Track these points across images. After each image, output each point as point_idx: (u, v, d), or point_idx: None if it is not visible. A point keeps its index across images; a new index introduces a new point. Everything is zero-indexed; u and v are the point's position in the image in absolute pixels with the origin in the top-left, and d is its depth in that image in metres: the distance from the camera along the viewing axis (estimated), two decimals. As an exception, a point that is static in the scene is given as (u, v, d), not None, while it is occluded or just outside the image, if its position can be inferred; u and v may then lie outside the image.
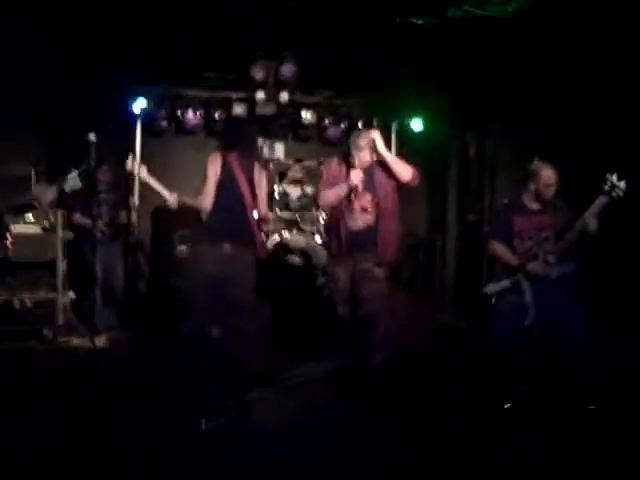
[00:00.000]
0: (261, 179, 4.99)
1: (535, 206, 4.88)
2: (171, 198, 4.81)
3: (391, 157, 4.97)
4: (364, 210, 4.93)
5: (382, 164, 4.95)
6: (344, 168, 5.00)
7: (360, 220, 4.94)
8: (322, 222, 7.52)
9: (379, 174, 4.97)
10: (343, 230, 4.95)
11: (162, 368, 5.27)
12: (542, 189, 4.81)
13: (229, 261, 4.63)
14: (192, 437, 3.92)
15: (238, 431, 4.06)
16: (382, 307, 4.91)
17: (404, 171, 4.93)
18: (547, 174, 4.81)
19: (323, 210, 6.74)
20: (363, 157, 4.90)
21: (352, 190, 4.89)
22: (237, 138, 5.16)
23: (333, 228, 5.16)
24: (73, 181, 4.70)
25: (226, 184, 4.76)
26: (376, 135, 4.91)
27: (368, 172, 4.95)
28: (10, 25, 6.36)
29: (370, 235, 4.93)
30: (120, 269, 7.18)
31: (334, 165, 5.11)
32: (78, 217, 6.69)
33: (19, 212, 6.12)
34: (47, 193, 4.71)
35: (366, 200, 4.94)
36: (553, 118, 7.19)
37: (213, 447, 3.82)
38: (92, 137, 4.70)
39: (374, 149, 4.89)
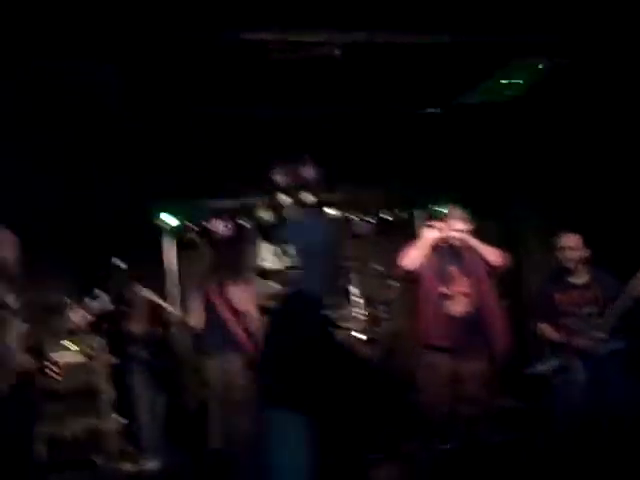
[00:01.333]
0: (243, 298, 5.28)
1: (576, 281, 4.84)
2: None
3: (476, 241, 4.81)
4: (464, 295, 4.74)
5: (469, 249, 4.79)
6: None
7: (461, 305, 4.73)
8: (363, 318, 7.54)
9: (468, 257, 4.79)
10: (441, 317, 4.72)
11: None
12: (560, 254, 4.77)
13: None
14: None
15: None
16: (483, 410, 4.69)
17: (493, 254, 4.78)
18: (564, 239, 4.80)
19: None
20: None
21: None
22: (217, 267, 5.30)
23: (423, 317, 4.88)
24: (100, 302, 4.78)
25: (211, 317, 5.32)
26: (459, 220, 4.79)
27: (456, 257, 4.81)
28: (36, 148, 6.59)
29: (474, 322, 4.70)
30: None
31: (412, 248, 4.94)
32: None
33: (58, 340, 6.19)
34: (82, 317, 4.80)
35: (464, 284, 4.76)
36: (575, 189, 7.20)
37: None
38: (117, 262, 4.80)
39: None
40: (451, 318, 4.70)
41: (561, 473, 4.54)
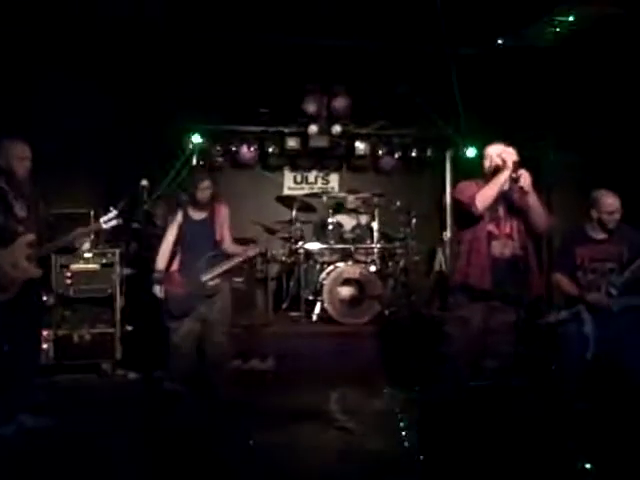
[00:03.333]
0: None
1: (599, 236, 4.75)
2: None
3: (534, 199, 4.46)
4: (508, 237, 4.51)
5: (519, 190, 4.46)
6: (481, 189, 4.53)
7: (507, 247, 4.50)
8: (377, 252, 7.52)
9: (516, 199, 4.51)
10: (485, 257, 4.50)
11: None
12: (605, 217, 4.68)
13: None
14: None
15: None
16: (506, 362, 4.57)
17: (541, 217, 4.48)
18: (609, 201, 4.68)
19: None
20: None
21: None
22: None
23: (465, 257, 4.60)
24: (111, 219, 4.84)
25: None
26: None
27: (504, 197, 4.53)
28: (68, 71, 6.61)
29: (514, 266, 4.45)
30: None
31: (471, 184, 4.63)
32: (135, 247, 6.81)
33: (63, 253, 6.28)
34: (83, 236, 4.86)
35: (509, 225, 4.53)
36: (610, 142, 6.98)
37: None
38: (144, 182, 4.91)
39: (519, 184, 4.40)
40: (495, 259, 4.47)
41: (563, 422, 4.51)
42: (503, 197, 4.50)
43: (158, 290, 5.14)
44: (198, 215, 5.32)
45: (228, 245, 5.34)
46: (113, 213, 4.86)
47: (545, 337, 5.49)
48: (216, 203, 5.36)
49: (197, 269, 5.14)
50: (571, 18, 6.26)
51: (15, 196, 4.56)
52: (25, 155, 4.58)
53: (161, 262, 5.21)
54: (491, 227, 4.51)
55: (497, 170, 4.49)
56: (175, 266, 5.24)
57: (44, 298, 6.25)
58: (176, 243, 5.26)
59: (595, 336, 4.54)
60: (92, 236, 4.90)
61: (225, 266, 5.24)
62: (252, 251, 5.57)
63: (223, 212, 5.36)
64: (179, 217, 5.29)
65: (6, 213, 4.49)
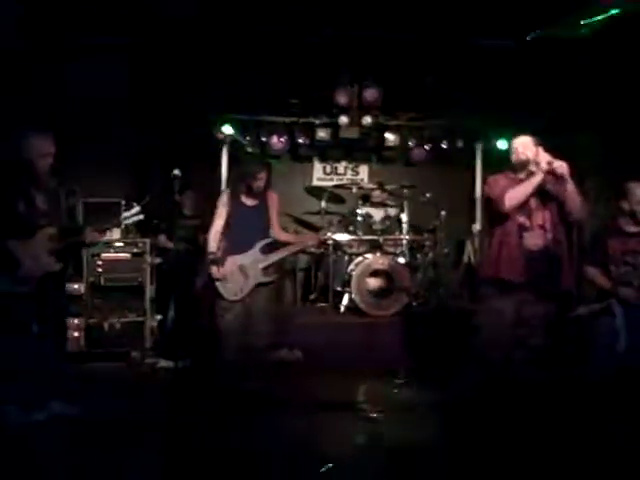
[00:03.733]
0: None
1: (631, 229, 4.69)
2: None
3: (572, 187, 4.43)
4: (541, 227, 4.48)
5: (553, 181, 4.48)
6: (512, 182, 4.56)
7: (539, 239, 4.47)
8: (405, 243, 7.50)
9: (548, 189, 4.50)
10: (517, 250, 4.46)
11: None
12: (638, 208, 4.63)
13: None
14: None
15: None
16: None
17: (577, 205, 4.44)
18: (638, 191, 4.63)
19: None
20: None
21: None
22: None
23: (496, 249, 4.57)
24: (133, 215, 4.90)
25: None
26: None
27: (539, 190, 4.49)
28: (97, 58, 6.65)
29: (546, 258, 4.43)
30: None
31: (501, 178, 4.66)
32: (163, 240, 6.87)
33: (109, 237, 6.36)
34: (92, 234, 4.92)
35: (541, 216, 4.50)
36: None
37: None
38: (176, 172, 4.97)
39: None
40: (527, 251, 4.43)
41: (590, 416, 4.47)
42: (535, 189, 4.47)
43: (215, 271, 5.10)
44: (251, 201, 5.29)
45: (277, 232, 5.34)
46: (135, 209, 4.93)
47: (576, 330, 5.45)
48: (268, 191, 5.34)
49: (253, 255, 5.16)
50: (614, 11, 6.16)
51: (37, 188, 4.59)
52: (48, 151, 4.58)
53: (213, 244, 5.16)
54: (522, 219, 4.47)
55: (525, 164, 4.49)
56: (220, 252, 5.21)
57: (75, 287, 6.39)
58: (225, 228, 5.23)
59: (626, 329, 4.49)
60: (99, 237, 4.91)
61: (282, 254, 5.29)
62: (312, 240, 5.67)
63: (275, 199, 5.36)
64: (229, 201, 5.25)
65: (27, 206, 4.51)
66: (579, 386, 4.74)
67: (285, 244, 5.34)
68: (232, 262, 5.15)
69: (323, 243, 7.30)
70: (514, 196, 4.41)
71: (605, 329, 4.59)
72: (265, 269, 5.18)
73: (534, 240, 4.43)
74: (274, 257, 5.21)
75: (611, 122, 6.99)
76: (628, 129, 6.86)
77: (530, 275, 4.39)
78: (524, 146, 4.52)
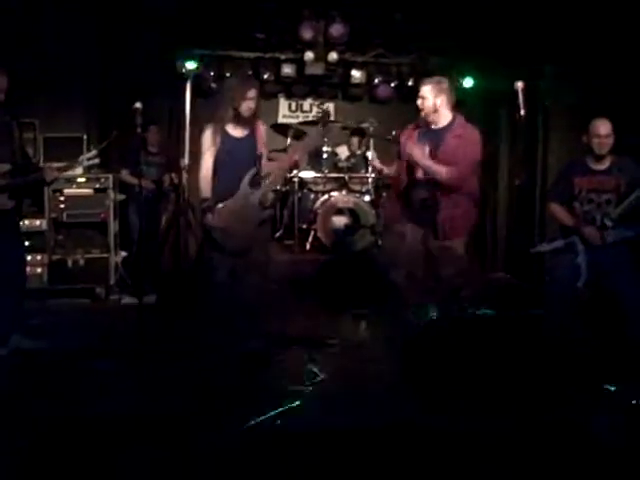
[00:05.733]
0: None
1: (597, 166, 4.69)
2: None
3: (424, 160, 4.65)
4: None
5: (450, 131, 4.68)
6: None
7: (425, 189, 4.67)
8: (371, 181, 7.50)
9: (450, 140, 4.65)
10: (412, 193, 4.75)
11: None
12: (595, 141, 4.61)
13: None
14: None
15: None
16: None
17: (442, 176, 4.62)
18: (596, 124, 4.61)
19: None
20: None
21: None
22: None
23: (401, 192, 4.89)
24: (90, 158, 4.83)
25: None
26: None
27: (437, 135, 4.69)
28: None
29: (437, 205, 4.64)
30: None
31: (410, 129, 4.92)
32: (125, 175, 6.76)
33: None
34: (53, 173, 4.78)
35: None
36: (613, 71, 6.81)
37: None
38: (138, 105, 4.78)
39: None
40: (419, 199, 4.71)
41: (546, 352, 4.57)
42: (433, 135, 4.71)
43: (210, 219, 4.59)
44: (240, 132, 4.70)
45: (265, 163, 4.83)
46: (92, 153, 4.85)
47: (536, 265, 5.54)
48: (256, 120, 4.79)
49: (243, 193, 4.63)
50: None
51: None
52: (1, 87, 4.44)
53: (206, 189, 4.63)
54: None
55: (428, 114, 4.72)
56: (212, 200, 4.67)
57: (37, 223, 6.29)
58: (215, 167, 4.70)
59: (587, 266, 4.56)
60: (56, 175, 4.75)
61: (273, 179, 4.75)
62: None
63: (262, 129, 4.84)
64: (216, 138, 4.66)
65: None
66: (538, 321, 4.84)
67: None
68: (227, 210, 4.62)
69: (289, 181, 7.28)
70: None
71: (566, 265, 4.65)
72: (262, 203, 4.67)
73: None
74: (266, 187, 4.69)
75: (588, 56, 6.93)
76: (604, 64, 6.81)
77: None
78: (424, 93, 4.70)
